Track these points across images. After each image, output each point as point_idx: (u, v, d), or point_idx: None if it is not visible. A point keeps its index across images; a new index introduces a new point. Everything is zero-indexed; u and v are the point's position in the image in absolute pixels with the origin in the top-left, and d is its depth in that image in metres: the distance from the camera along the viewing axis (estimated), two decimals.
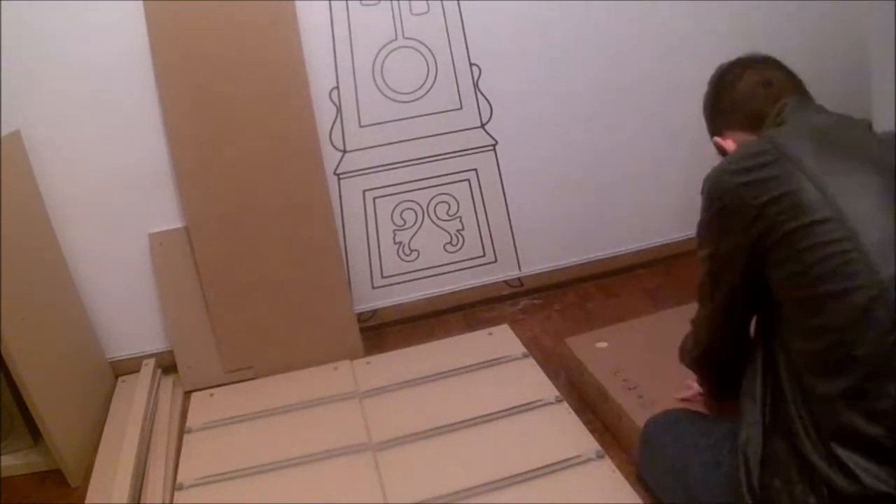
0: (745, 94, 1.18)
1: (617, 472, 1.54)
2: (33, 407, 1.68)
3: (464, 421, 1.76)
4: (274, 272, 2.06)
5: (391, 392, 1.93)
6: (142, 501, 1.63)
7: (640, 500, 1.47)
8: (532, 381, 1.90)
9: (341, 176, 2.15)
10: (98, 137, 1.95)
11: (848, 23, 2.39)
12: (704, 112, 1.30)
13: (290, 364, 2.09)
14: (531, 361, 1.98)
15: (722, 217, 1.08)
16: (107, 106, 1.93)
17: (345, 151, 2.12)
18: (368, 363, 2.10)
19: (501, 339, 2.13)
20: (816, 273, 0.94)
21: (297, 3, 1.95)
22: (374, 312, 2.27)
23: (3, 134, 1.81)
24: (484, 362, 2.01)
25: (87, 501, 1.68)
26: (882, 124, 2.54)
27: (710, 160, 1.23)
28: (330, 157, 2.11)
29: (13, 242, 1.71)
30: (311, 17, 1.99)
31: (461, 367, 1.99)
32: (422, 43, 2.09)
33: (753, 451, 1.06)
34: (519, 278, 2.34)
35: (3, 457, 1.81)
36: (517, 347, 2.06)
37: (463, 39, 2.11)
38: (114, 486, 1.62)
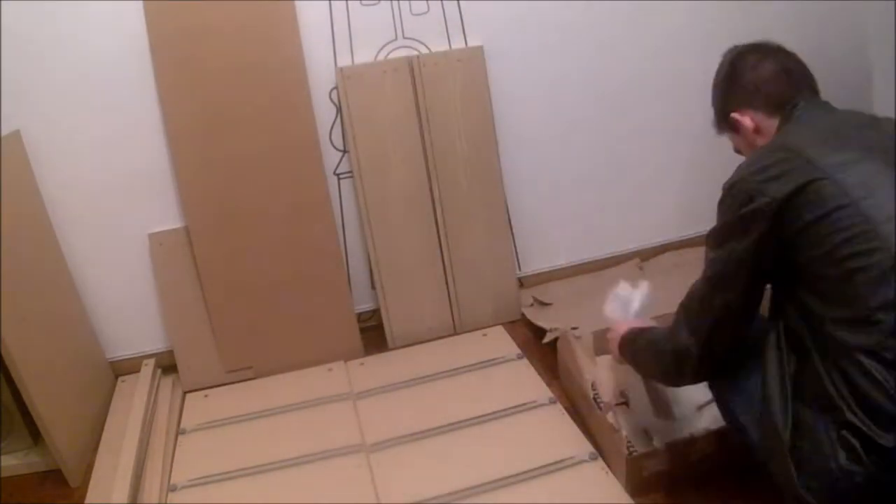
0: (768, 78, 1.25)
1: (610, 473, 1.54)
2: (33, 407, 1.68)
3: (457, 422, 1.77)
4: (274, 272, 2.06)
5: (385, 393, 1.94)
6: (139, 502, 1.63)
7: (632, 501, 1.47)
8: (526, 382, 1.90)
9: (341, 176, 2.15)
10: (98, 137, 1.95)
11: (848, 23, 2.39)
12: (718, 89, 1.34)
13: (290, 364, 2.10)
14: (525, 363, 1.98)
15: (746, 214, 1.12)
16: (107, 106, 1.93)
17: (345, 151, 2.13)
18: (363, 364, 2.10)
19: (496, 340, 2.14)
20: (842, 253, 1.04)
21: (296, 3, 1.96)
22: (374, 312, 2.27)
23: (3, 134, 1.81)
24: (478, 363, 2.01)
25: (86, 501, 1.68)
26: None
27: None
28: (330, 157, 2.11)
29: (13, 243, 1.72)
30: (311, 17, 1.99)
31: (455, 369, 1.99)
32: (422, 43, 2.09)
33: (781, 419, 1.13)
34: (519, 278, 2.34)
35: (3, 457, 1.82)
36: (511, 348, 2.06)
37: (463, 39, 2.11)
38: (113, 486, 1.62)
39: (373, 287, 2.23)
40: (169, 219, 2.06)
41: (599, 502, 1.47)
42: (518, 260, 2.34)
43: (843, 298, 1.06)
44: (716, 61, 1.35)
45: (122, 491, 1.60)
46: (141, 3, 1.87)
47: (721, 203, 1.18)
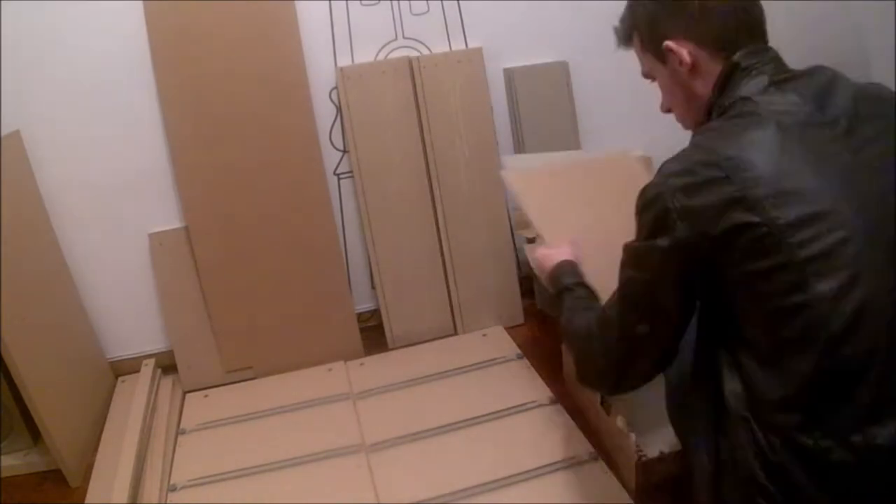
0: (723, 11, 0.99)
1: (610, 473, 1.54)
2: (33, 407, 1.68)
3: (457, 423, 1.77)
4: (274, 272, 2.06)
5: (385, 393, 1.94)
6: (139, 502, 1.63)
7: (632, 502, 1.47)
8: (526, 382, 1.90)
9: (341, 176, 2.15)
10: (98, 137, 1.95)
11: (848, 23, 2.39)
12: (651, 5, 1.06)
13: (290, 364, 2.10)
14: (525, 363, 1.99)
15: (659, 244, 0.92)
16: (107, 106, 1.93)
17: (345, 151, 2.13)
18: (362, 364, 2.10)
19: (495, 340, 2.14)
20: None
21: (296, 3, 1.96)
22: (374, 312, 2.28)
23: (3, 134, 1.81)
24: (478, 363, 2.01)
25: (86, 501, 1.68)
26: None
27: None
28: (330, 157, 2.11)
29: (13, 243, 1.72)
30: (311, 17, 1.99)
31: (455, 369, 2.00)
32: (422, 43, 2.09)
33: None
34: (519, 278, 2.33)
35: (3, 457, 1.81)
36: (511, 349, 2.07)
37: (463, 40, 2.11)
38: (113, 487, 1.62)
39: (373, 287, 2.23)
40: (169, 219, 2.06)
41: (599, 503, 1.47)
42: (518, 260, 2.34)
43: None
44: None
45: (122, 491, 1.60)
46: (141, 3, 1.87)
47: (637, 213, 0.97)
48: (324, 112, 2.07)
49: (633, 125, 2.28)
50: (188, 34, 1.90)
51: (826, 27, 2.35)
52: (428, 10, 2.07)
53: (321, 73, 2.03)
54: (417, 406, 1.87)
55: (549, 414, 1.77)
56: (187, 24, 1.90)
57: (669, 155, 0.95)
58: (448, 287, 2.19)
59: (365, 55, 2.06)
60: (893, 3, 2.41)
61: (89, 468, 1.80)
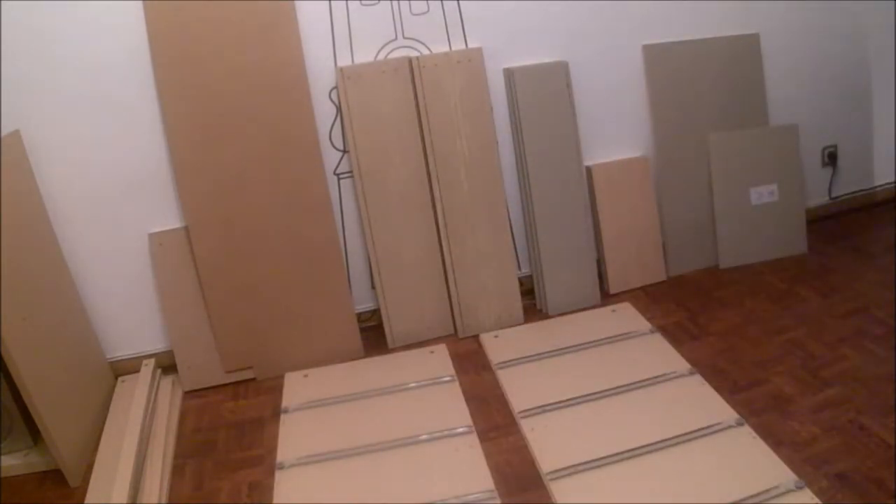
0: None
1: (758, 438, 1.59)
2: (33, 407, 1.68)
3: (600, 392, 1.82)
4: (274, 272, 2.06)
5: (522, 365, 2.00)
6: (139, 502, 1.63)
7: (781, 461, 1.51)
8: (662, 354, 1.96)
9: (341, 176, 2.15)
10: (98, 137, 1.95)
11: (848, 23, 2.39)
12: None
13: (290, 364, 2.10)
14: (658, 336, 2.04)
15: None
16: (107, 106, 1.93)
17: (345, 151, 2.13)
18: (497, 336, 2.16)
19: (625, 315, 2.19)
20: None
21: (296, 3, 1.96)
22: (374, 312, 2.28)
23: (3, 134, 1.81)
24: (612, 337, 2.07)
25: (86, 501, 1.68)
26: (882, 123, 2.54)
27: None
28: (330, 157, 2.12)
29: (13, 242, 1.72)
30: (311, 17, 1.99)
31: (590, 342, 2.05)
32: (422, 43, 2.09)
33: None
34: (520, 278, 2.34)
35: (3, 457, 1.82)
36: (643, 324, 2.12)
37: (463, 39, 2.11)
38: (114, 486, 1.62)
39: (373, 287, 2.23)
40: (169, 219, 2.06)
41: (749, 465, 1.53)
42: (518, 259, 2.35)
43: None
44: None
45: (121, 491, 1.60)
46: (140, 2, 1.87)
47: None
48: (324, 112, 2.07)
49: (632, 125, 2.30)
50: (188, 34, 1.90)
51: (826, 27, 2.36)
52: (428, 10, 2.07)
53: (321, 73, 2.03)
54: (560, 376, 1.91)
55: (690, 384, 1.82)
56: (187, 25, 1.90)
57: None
58: (448, 287, 2.19)
59: (365, 55, 2.06)
60: (893, 3, 2.42)
61: (89, 468, 1.80)
